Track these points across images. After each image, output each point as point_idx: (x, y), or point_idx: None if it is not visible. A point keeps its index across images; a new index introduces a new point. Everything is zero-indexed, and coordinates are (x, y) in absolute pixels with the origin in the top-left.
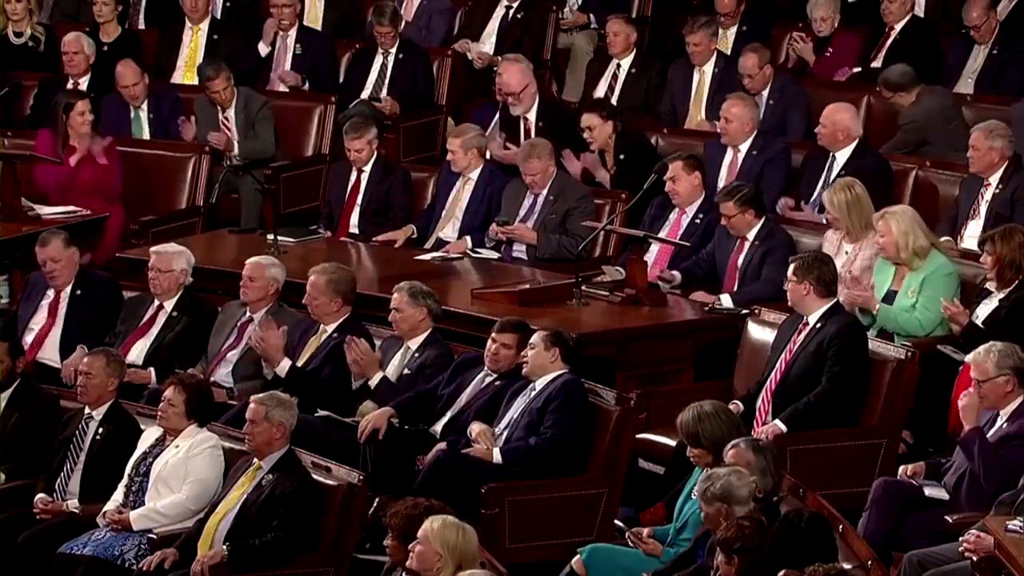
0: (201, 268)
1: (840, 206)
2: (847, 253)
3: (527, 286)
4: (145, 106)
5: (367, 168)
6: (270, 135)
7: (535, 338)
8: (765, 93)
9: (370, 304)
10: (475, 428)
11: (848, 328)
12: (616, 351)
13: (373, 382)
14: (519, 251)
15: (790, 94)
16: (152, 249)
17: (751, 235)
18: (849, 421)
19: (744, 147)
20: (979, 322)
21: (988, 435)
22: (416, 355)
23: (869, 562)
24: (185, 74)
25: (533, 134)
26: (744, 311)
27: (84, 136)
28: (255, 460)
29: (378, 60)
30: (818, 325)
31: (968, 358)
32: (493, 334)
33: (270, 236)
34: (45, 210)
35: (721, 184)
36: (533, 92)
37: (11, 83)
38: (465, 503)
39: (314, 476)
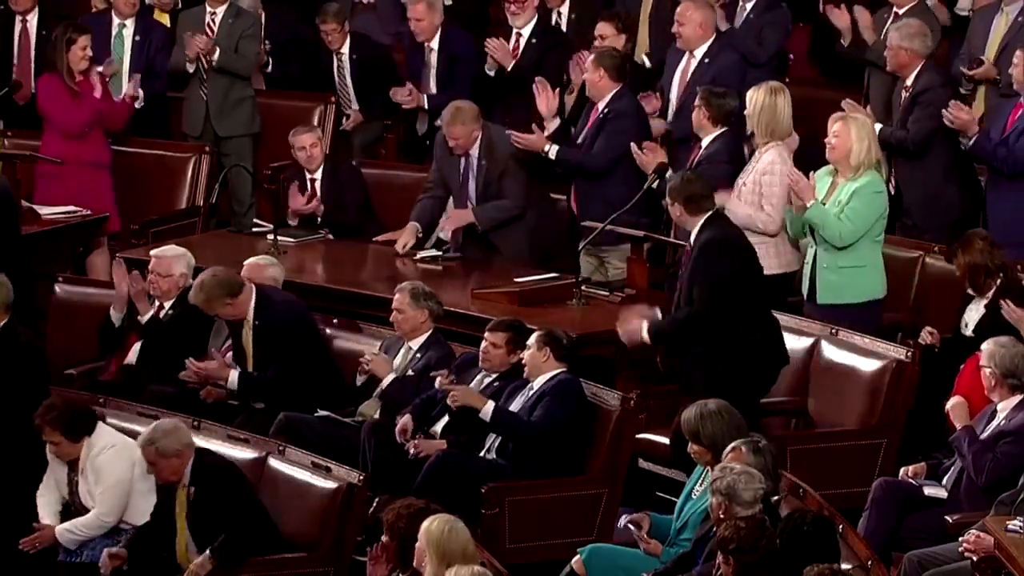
0: (201, 268)
1: (755, 103)
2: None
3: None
4: (131, 26)
5: (318, 174)
6: (252, 55)
7: (531, 339)
8: (749, 5)
9: (371, 304)
10: (438, 380)
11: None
12: (616, 351)
13: (385, 383)
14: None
15: (771, 15)
16: (152, 252)
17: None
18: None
19: (699, 53)
20: (969, 331)
21: (987, 431)
22: (418, 355)
23: (869, 562)
24: None
25: (522, 51)
26: None
27: (82, 71)
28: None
29: (333, 64)
30: None
31: (984, 345)
32: (485, 332)
33: (270, 236)
34: (45, 210)
35: (675, 92)
36: (535, 6)
37: (11, 82)
38: (465, 503)
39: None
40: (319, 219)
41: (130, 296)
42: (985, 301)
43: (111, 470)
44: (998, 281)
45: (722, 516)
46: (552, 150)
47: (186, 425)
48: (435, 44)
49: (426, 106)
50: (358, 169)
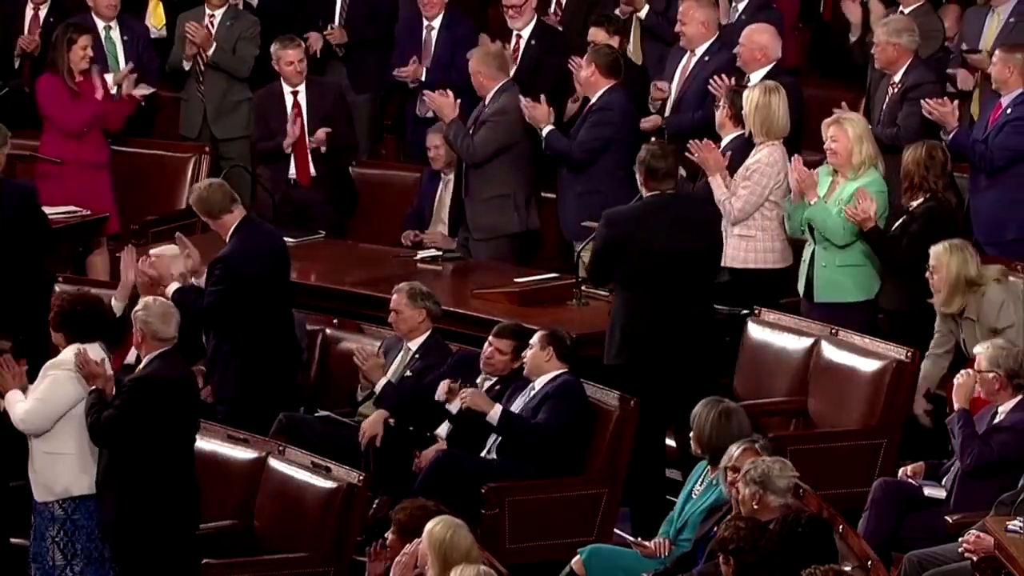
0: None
1: (751, 103)
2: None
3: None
4: (117, 27)
5: (301, 90)
6: (250, 57)
7: (533, 338)
8: (741, 6)
9: (369, 304)
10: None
11: None
12: None
13: (378, 388)
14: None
15: (762, 16)
16: (151, 251)
17: None
18: None
19: (700, 51)
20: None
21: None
22: (416, 356)
23: (869, 562)
24: None
25: (522, 53)
26: (744, 311)
27: (82, 72)
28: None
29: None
30: None
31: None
32: (491, 337)
33: None
34: (44, 210)
35: (674, 89)
36: (534, 8)
37: (12, 83)
38: (465, 503)
39: (311, 476)
40: (323, 149)
41: (136, 287)
42: (911, 206)
43: (46, 390)
44: (926, 195)
45: (756, 507)
46: (546, 130)
47: (176, 318)
48: (436, 23)
49: (423, 78)
50: (339, 87)
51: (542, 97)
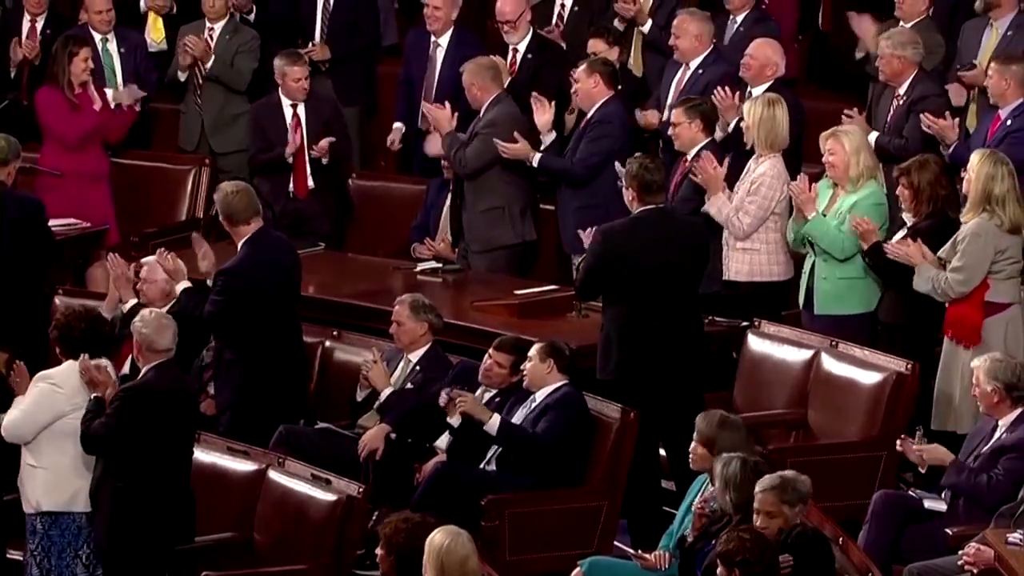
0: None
1: (754, 116)
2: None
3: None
4: (113, 40)
5: (301, 107)
6: (249, 71)
7: (532, 350)
8: (739, 18)
9: (368, 316)
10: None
11: None
12: None
13: (383, 396)
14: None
15: (760, 29)
16: (143, 260)
17: None
18: None
19: (694, 64)
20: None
21: (987, 446)
22: (417, 368)
23: (869, 575)
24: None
25: (519, 66)
26: (744, 323)
27: (82, 84)
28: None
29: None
30: None
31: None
32: (491, 350)
33: None
34: None
35: (669, 103)
36: (528, 21)
37: (11, 96)
38: (465, 515)
39: (310, 488)
40: (325, 160)
41: (112, 282)
42: (912, 222)
43: (29, 402)
44: (933, 208)
45: (772, 510)
46: (535, 158)
47: (172, 330)
48: (444, 41)
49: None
50: (335, 100)
51: (535, 106)
